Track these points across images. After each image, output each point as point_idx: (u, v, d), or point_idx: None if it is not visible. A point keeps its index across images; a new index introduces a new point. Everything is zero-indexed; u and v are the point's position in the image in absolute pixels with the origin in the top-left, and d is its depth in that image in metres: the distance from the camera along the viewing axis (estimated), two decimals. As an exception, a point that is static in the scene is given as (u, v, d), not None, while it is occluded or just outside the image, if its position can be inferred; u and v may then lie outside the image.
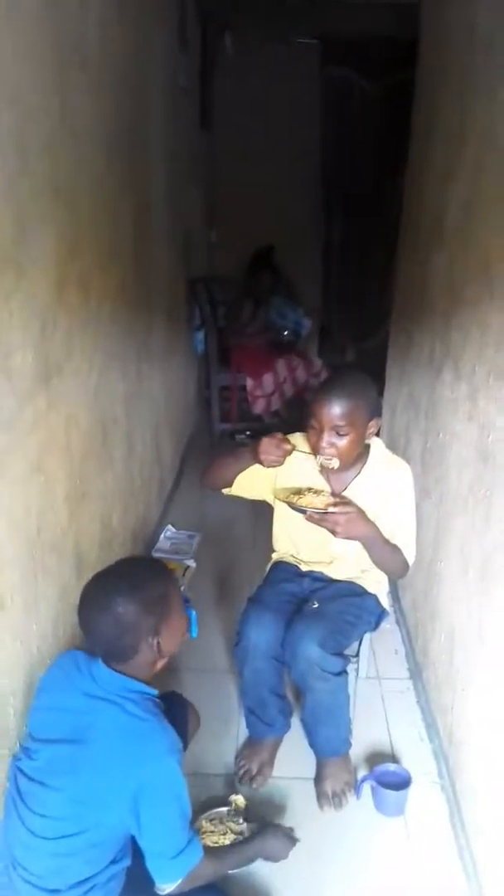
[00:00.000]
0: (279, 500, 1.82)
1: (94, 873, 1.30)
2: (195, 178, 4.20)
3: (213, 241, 4.99)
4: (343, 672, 1.83)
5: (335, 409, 1.70)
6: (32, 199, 1.46)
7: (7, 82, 1.32)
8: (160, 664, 1.44)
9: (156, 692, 1.39)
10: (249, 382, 4.32)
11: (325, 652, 1.75)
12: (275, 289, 4.60)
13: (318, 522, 1.73)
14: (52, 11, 1.55)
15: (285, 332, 4.61)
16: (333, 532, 1.73)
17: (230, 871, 1.58)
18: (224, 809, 1.80)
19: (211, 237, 4.97)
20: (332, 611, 1.87)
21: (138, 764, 1.27)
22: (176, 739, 1.34)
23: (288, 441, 1.77)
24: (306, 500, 1.76)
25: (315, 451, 1.77)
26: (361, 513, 1.75)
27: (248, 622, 1.88)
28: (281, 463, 1.77)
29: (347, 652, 1.97)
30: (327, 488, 1.88)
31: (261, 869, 1.68)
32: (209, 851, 1.39)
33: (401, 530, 1.88)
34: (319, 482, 1.88)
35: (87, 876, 1.30)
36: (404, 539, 1.88)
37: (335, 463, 1.76)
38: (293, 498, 1.77)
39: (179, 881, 1.32)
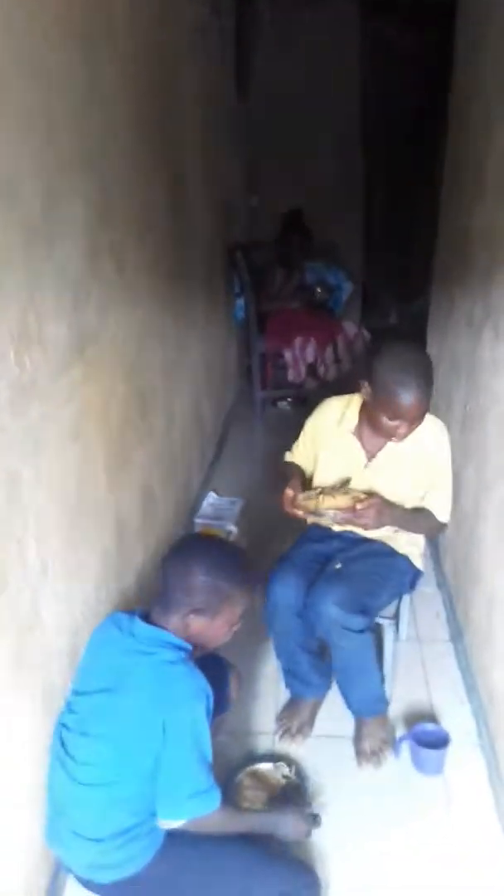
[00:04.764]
0: (304, 512, 1.87)
1: (136, 823, 1.36)
2: (233, 144, 4.15)
3: (253, 206, 4.94)
4: (366, 630, 1.85)
5: (419, 406, 1.75)
6: (60, 170, 1.47)
7: (33, 54, 1.33)
8: (195, 643, 1.47)
9: (189, 647, 1.43)
10: (284, 350, 4.30)
11: (344, 611, 1.77)
12: (307, 252, 4.53)
13: (347, 523, 1.82)
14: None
15: (318, 291, 4.55)
16: (364, 528, 1.82)
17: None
18: (267, 765, 1.84)
19: (252, 202, 4.92)
20: (357, 571, 1.89)
21: (165, 703, 1.32)
22: (204, 686, 1.37)
23: (299, 506, 1.85)
24: (328, 503, 1.83)
25: (383, 435, 1.84)
26: (384, 502, 1.83)
27: (274, 580, 1.93)
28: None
29: (385, 613, 1.99)
30: (363, 452, 1.92)
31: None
32: (225, 807, 1.40)
33: (437, 489, 1.94)
34: (356, 447, 1.93)
35: (129, 825, 1.35)
36: (441, 498, 1.94)
37: (334, 519, 1.84)
38: (312, 504, 1.84)
39: (185, 821, 1.35)
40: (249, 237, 4.72)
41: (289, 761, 1.91)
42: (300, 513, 1.87)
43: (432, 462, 1.91)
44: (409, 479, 1.92)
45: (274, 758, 1.92)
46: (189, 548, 1.50)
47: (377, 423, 1.81)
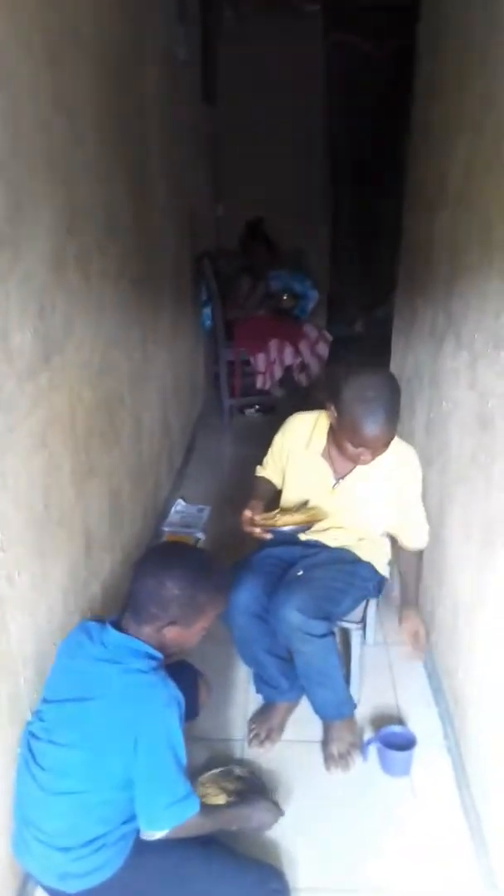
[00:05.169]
0: (261, 530, 1.92)
1: (105, 832, 1.36)
2: (199, 152, 4.17)
3: (219, 215, 4.96)
4: (328, 634, 1.88)
5: (384, 436, 1.78)
6: (26, 178, 1.47)
7: (-5, 62, 1.33)
8: (167, 653, 1.49)
9: (160, 656, 1.44)
10: (251, 358, 4.33)
11: (305, 616, 1.80)
12: (272, 261, 4.57)
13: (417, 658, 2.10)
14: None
15: (284, 297, 4.59)
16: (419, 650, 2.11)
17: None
18: (217, 770, 1.85)
19: (217, 211, 4.94)
20: (319, 577, 1.92)
21: (137, 714, 1.32)
22: (176, 694, 1.38)
23: (256, 524, 1.91)
24: (284, 520, 1.92)
25: (349, 459, 1.86)
26: (406, 607, 2.11)
27: (230, 585, 1.94)
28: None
29: (352, 617, 2.01)
30: (331, 473, 1.97)
31: (270, 830, 1.73)
32: (204, 808, 1.42)
33: (411, 517, 2.01)
34: (324, 467, 1.97)
35: (98, 834, 1.35)
36: (417, 526, 2.03)
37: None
38: (269, 523, 1.91)
39: (167, 831, 1.36)
40: (216, 246, 4.74)
41: (239, 763, 1.91)
42: (258, 531, 1.91)
43: (402, 488, 1.96)
44: (377, 503, 1.96)
45: (225, 762, 1.92)
46: (159, 560, 1.50)
47: (342, 447, 1.85)
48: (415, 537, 2.05)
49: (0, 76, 1.34)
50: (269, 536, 1.93)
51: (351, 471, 1.94)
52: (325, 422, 1.96)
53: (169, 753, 1.34)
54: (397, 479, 1.94)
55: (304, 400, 4.11)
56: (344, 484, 1.96)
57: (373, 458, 1.82)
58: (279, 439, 2.08)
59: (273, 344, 4.31)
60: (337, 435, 1.85)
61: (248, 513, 1.94)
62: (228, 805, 1.67)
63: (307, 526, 1.95)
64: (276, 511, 1.98)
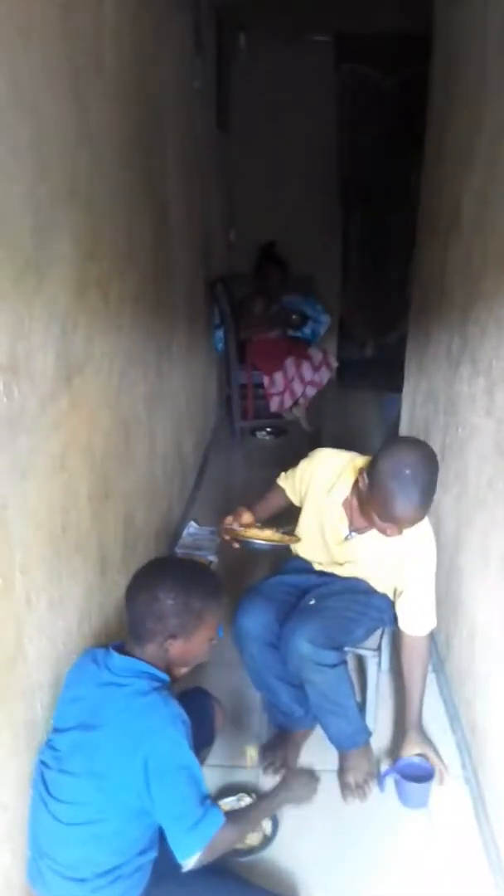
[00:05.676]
0: (230, 537, 1.95)
1: (120, 863, 1.33)
2: (213, 178, 4.23)
3: (232, 241, 5.01)
4: (340, 664, 1.86)
5: (415, 518, 1.68)
6: (51, 205, 1.49)
7: (26, 95, 1.35)
8: (178, 671, 1.49)
9: (167, 678, 1.43)
10: (265, 380, 4.34)
11: (315, 646, 1.78)
12: (284, 283, 4.61)
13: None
14: (68, 24, 1.58)
15: (294, 317, 4.61)
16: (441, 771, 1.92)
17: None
18: (230, 799, 1.82)
19: (230, 236, 5.00)
20: (331, 606, 1.90)
21: (142, 737, 1.30)
22: (179, 712, 1.35)
23: (229, 532, 1.94)
24: (252, 533, 1.94)
25: (374, 527, 1.77)
26: (415, 736, 1.94)
27: (239, 609, 1.95)
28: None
29: (368, 644, 1.99)
30: (346, 524, 1.93)
31: (284, 859, 1.71)
32: (229, 817, 1.37)
33: (415, 594, 1.90)
34: (341, 516, 1.93)
35: (113, 865, 1.33)
36: (420, 606, 1.91)
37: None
38: (243, 533, 1.94)
39: (198, 853, 1.30)
40: (228, 270, 4.79)
41: (247, 790, 1.89)
42: (227, 537, 1.93)
43: (414, 558, 1.87)
44: (383, 566, 1.92)
45: (233, 791, 1.89)
46: (148, 575, 1.49)
47: (368, 515, 1.75)
48: (416, 623, 1.92)
49: (27, 107, 1.37)
50: (236, 546, 1.94)
51: (367, 530, 1.86)
52: (351, 473, 1.88)
53: (182, 774, 1.31)
54: (409, 552, 1.86)
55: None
56: (357, 539, 1.91)
57: (400, 534, 1.72)
58: (305, 467, 2.01)
59: (290, 361, 4.33)
60: (365, 502, 1.74)
61: (228, 519, 1.94)
62: (259, 799, 1.62)
63: (281, 546, 1.96)
64: (258, 525, 1.98)
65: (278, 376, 4.32)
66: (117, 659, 1.42)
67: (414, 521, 1.70)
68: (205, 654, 1.51)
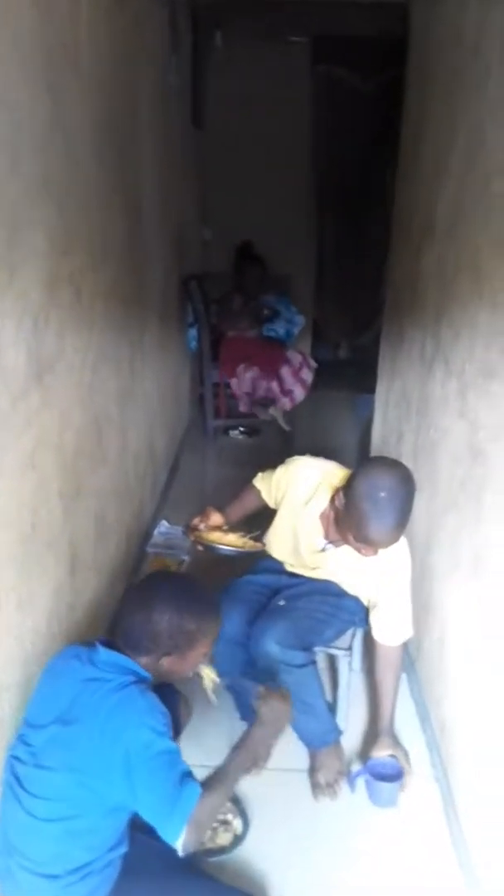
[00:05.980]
0: (195, 539, 1.98)
1: (92, 859, 1.33)
2: (188, 175, 4.21)
3: (206, 239, 4.99)
4: (308, 664, 1.86)
5: (389, 541, 1.68)
6: (24, 200, 1.47)
7: (-2, 84, 1.33)
8: (170, 679, 1.49)
9: (149, 676, 1.42)
10: (232, 381, 4.34)
11: (283, 647, 1.79)
12: (263, 282, 4.62)
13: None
14: (43, 15, 1.56)
15: (265, 311, 4.62)
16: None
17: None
18: None
19: (204, 234, 4.97)
20: (301, 607, 1.91)
21: (122, 730, 1.29)
22: (157, 703, 1.35)
23: (194, 534, 1.97)
24: (215, 536, 1.94)
25: (349, 545, 1.75)
26: (387, 740, 1.93)
27: None
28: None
29: (339, 644, 2.00)
30: (322, 535, 1.91)
31: (254, 858, 1.71)
32: (206, 783, 1.34)
33: (391, 605, 1.90)
34: (317, 528, 1.92)
35: (85, 861, 1.32)
36: (396, 617, 1.91)
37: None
38: (207, 536, 1.96)
39: (184, 832, 1.25)
40: (202, 269, 4.77)
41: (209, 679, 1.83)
42: (192, 538, 1.96)
43: (388, 574, 1.87)
44: (357, 578, 1.93)
45: None
46: (143, 594, 1.46)
47: (342, 532, 1.74)
48: (390, 634, 1.91)
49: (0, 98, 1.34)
50: (200, 548, 1.95)
51: (341, 543, 1.85)
52: (328, 487, 1.87)
53: (161, 759, 1.28)
54: (384, 566, 1.85)
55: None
56: (332, 551, 1.91)
57: (375, 553, 1.72)
58: (282, 475, 2.00)
59: (240, 369, 4.33)
60: (341, 521, 1.73)
61: (196, 520, 1.95)
62: (233, 749, 1.51)
63: (245, 553, 1.96)
64: (224, 528, 1.99)
65: (234, 382, 4.33)
66: (103, 654, 1.41)
67: (389, 544, 1.70)
68: (197, 666, 1.51)
